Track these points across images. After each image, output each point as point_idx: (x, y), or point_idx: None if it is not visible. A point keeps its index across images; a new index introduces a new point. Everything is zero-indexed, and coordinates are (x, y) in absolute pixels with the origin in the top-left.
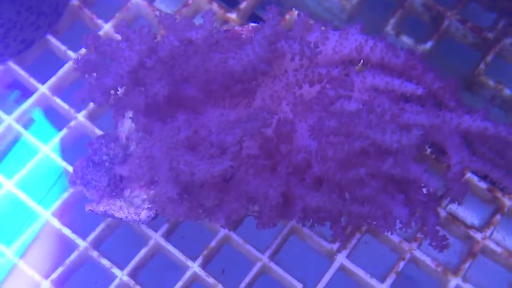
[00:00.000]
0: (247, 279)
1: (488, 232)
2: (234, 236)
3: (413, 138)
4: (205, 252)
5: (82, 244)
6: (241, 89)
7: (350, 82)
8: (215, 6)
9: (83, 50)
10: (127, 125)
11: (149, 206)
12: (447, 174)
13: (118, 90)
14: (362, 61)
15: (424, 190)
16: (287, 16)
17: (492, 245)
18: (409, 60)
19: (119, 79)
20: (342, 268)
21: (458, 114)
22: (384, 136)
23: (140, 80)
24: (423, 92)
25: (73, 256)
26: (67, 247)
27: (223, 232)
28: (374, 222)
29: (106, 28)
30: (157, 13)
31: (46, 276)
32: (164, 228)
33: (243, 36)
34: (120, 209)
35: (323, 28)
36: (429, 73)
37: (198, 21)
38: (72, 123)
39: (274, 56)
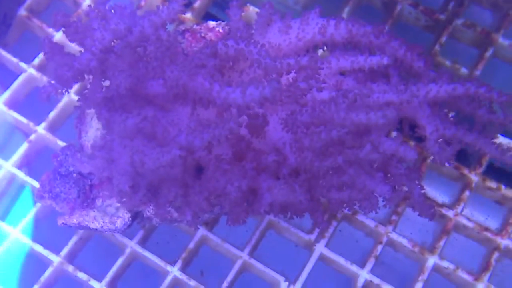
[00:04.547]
0: (229, 278)
1: (459, 209)
2: (211, 236)
3: (394, 111)
4: (184, 255)
5: (56, 259)
6: None
7: (317, 69)
8: None
9: (36, 61)
10: (91, 134)
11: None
12: (425, 144)
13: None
14: (324, 46)
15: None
16: (243, 13)
17: (464, 221)
18: (376, 27)
19: (89, 60)
20: (322, 257)
21: (424, 84)
22: (368, 115)
23: (105, 71)
24: (389, 61)
25: (47, 272)
26: (40, 264)
27: (200, 233)
28: (357, 205)
29: (58, 36)
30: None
31: None
32: (139, 235)
33: (202, 34)
34: (94, 220)
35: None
36: (394, 40)
37: None
38: (33, 137)
39: (236, 56)
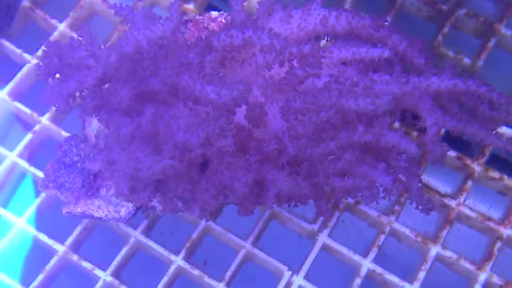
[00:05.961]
0: (232, 267)
1: (462, 199)
2: (214, 226)
3: (385, 99)
4: (187, 244)
5: (60, 248)
6: None
7: (319, 58)
8: None
9: (39, 52)
10: (95, 124)
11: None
12: (424, 137)
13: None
14: (327, 36)
15: (404, 157)
16: (245, 3)
17: (467, 211)
18: (376, 20)
19: (84, 85)
20: (325, 247)
21: (426, 77)
22: (357, 101)
23: (104, 81)
24: (390, 54)
25: (52, 261)
26: (45, 253)
27: (203, 223)
28: (359, 194)
29: (61, 27)
30: (113, 5)
31: (27, 285)
32: (143, 225)
33: (205, 24)
34: (99, 208)
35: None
36: (395, 33)
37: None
38: (37, 127)
39: (243, 44)
